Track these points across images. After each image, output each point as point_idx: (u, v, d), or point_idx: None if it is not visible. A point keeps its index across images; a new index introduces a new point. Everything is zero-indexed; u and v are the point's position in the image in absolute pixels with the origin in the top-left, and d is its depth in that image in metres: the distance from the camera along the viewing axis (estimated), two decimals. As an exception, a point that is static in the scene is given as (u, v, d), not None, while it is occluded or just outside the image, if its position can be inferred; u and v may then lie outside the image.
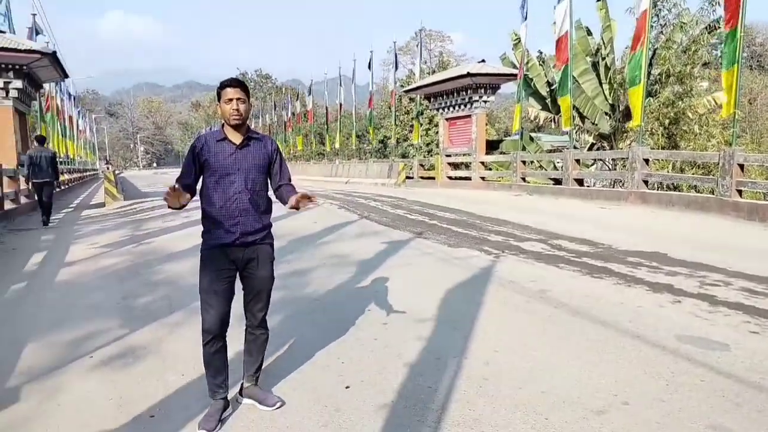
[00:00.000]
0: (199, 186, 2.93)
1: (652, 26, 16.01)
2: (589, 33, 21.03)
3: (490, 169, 21.05)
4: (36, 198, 12.08)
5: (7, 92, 15.31)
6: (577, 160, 15.61)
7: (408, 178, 24.15)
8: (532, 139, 22.90)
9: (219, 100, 2.85)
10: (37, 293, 5.74)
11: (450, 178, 22.38)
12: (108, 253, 7.80)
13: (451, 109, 22.36)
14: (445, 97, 22.47)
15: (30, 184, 11.62)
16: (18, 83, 15.44)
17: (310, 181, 30.36)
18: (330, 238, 8.81)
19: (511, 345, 3.81)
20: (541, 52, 23.65)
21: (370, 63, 28.46)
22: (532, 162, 19.39)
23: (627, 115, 18.56)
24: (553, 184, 17.42)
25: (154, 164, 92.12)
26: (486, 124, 23.48)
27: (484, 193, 18.30)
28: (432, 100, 23.81)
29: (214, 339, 2.83)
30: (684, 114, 17.95)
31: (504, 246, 7.59)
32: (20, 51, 14.71)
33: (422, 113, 29.45)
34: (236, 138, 2.86)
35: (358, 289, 5.54)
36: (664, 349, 3.67)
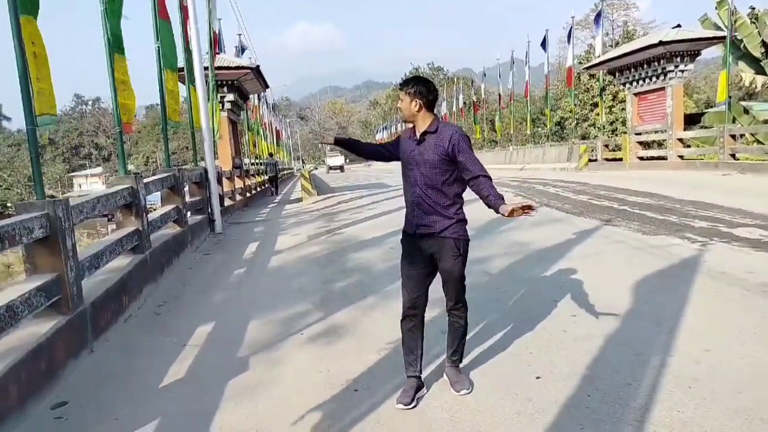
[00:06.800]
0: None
1: None
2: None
3: (689, 147, 18.71)
4: (269, 184, 23.73)
5: (223, 105, 17.83)
6: (807, 130, 13.10)
7: (591, 161, 22.60)
8: (746, 111, 19.71)
9: None
10: (255, 277, 6.65)
11: (640, 158, 20.41)
12: (308, 243, 8.71)
13: (641, 82, 20.31)
14: (632, 70, 20.47)
15: (267, 177, 23.83)
16: (230, 96, 17.90)
17: (485, 169, 30.08)
18: (509, 226, 8.67)
19: (726, 343, 3.40)
20: (752, 8, 20.28)
21: (544, 41, 27.10)
22: (743, 136, 16.74)
23: None
24: (774, 160, 14.86)
25: (346, 160, 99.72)
26: (683, 96, 20.87)
27: (682, 173, 16.33)
28: (617, 74, 21.88)
29: (408, 317, 3.05)
30: None
31: (711, 232, 6.73)
32: (232, 68, 17.05)
33: (605, 89, 27.20)
34: (418, 134, 3.01)
35: (543, 278, 5.40)
36: None
